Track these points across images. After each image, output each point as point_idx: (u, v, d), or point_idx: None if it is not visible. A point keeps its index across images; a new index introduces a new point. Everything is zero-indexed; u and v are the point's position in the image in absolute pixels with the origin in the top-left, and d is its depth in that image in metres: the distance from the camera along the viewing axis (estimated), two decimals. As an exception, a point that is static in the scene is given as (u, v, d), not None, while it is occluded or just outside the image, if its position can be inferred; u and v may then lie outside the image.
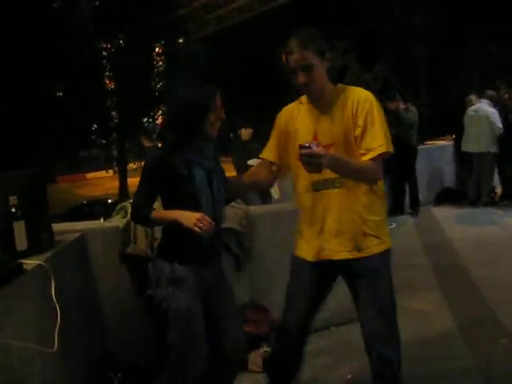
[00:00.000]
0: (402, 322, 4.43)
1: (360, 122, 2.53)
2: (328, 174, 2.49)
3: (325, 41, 2.59)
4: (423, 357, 3.79)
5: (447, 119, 10.97)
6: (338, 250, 2.62)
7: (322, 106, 2.64)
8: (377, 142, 2.52)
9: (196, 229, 2.44)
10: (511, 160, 8.83)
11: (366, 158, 2.53)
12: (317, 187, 2.62)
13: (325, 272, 2.70)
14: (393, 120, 8.58)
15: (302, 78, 2.54)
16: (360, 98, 2.57)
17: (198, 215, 2.46)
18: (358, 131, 2.54)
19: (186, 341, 2.65)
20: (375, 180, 2.63)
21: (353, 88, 2.66)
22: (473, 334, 4.09)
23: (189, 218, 2.47)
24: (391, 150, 2.57)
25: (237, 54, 22.00)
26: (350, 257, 2.62)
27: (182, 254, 2.65)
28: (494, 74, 18.17)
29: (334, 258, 2.63)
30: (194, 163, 2.62)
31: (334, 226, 2.61)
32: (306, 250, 2.72)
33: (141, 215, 2.64)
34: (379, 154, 2.53)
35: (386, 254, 2.69)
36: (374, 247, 2.64)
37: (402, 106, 8.72)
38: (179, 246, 2.66)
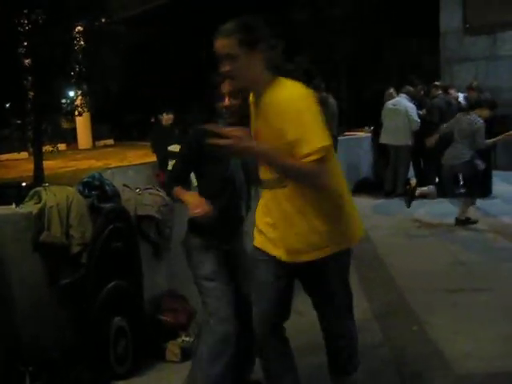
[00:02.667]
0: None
1: (285, 127, 2.32)
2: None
3: (264, 31, 2.45)
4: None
5: (366, 112, 11.26)
6: None
7: (258, 102, 2.49)
8: (312, 144, 2.29)
9: (194, 214, 2.70)
10: (427, 153, 9.16)
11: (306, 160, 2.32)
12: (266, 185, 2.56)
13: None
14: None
15: (223, 67, 2.42)
16: (284, 101, 2.35)
17: (196, 202, 2.69)
18: (289, 138, 2.32)
19: (209, 304, 2.89)
20: (320, 185, 2.40)
21: (284, 85, 2.42)
22: (387, 321, 4.24)
23: (189, 203, 2.73)
24: (327, 142, 2.34)
25: (162, 36, 21.61)
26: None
27: (199, 228, 2.91)
28: (411, 70, 18.80)
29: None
30: None
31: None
32: None
33: (170, 189, 2.92)
34: (318, 157, 2.29)
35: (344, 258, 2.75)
36: None
37: (324, 93, 8.91)
38: (194, 221, 2.90)
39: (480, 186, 7.32)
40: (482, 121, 6.88)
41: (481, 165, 6.97)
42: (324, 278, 2.62)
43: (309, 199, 2.44)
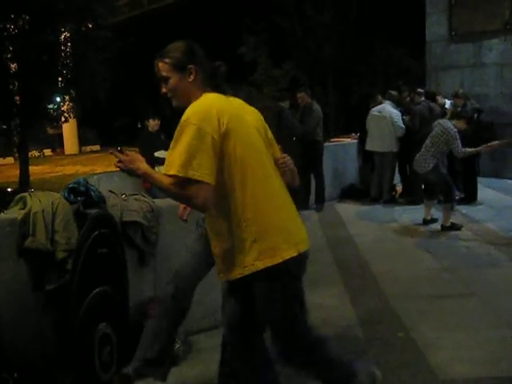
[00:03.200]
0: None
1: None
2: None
3: (197, 54, 2.58)
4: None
5: (352, 118, 11.33)
6: None
7: None
8: (167, 167, 2.37)
9: None
10: (411, 159, 9.22)
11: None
12: None
13: None
14: (299, 114, 8.84)
15: (162, 88, 2.60)
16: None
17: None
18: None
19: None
20: (194, 206, 2.43)
21: (192, 104, 2.49)
22: (372, 328, 4.25)
23: None
24: (183, 173, 2.32)
25: (149, 42, 21.63)
26: None
27: None
28: (396, 76, 18.93)
29: None
30: None
31: None
32: None
33: None
34: (177, 178, 2.33)
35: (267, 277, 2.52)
36: None
37: (309, 100, 8.99)
38: None
39: (453, 191, 7.36)
40: (455, 130, 6.94)
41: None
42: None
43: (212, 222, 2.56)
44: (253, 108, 2.72)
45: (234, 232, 2.46)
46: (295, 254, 2.49)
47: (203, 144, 2.34)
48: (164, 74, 2.55)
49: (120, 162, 2.40)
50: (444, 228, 7.14)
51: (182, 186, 2.33)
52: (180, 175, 2.32)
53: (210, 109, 2.43)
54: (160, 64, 2.56)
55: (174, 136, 2.40)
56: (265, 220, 2.47)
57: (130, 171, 2.42)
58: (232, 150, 2.42)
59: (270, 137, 2.75)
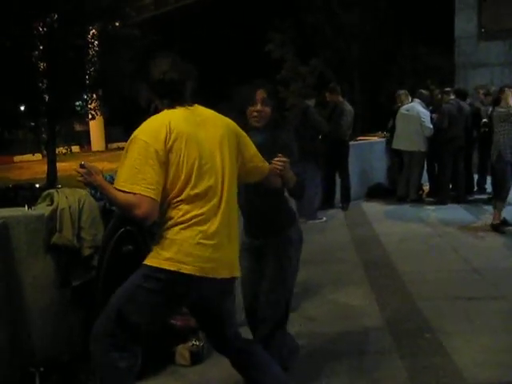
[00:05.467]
0: (330, 315, 4.54)
1: None
2: None
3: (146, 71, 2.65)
4: (350, 352, 3.85)
5: (380, 116, 11.23)
6: None
7: None
8: (118, 179, 2.42)
9: None
10: (440, 159, 9.12)
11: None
12: None
13: None
14: (328, 113, 8.73)
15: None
16: None
17: None
18: None
19: None
20: (135, 217, 2.42)
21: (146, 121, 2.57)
22: (398, 329, 4.20)
23: None
24: (127, 188, 2.38)
25: (175, 39, 21.74)
26: None
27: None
28: (424, 74, 18.71)
29: None
30: None
31: None
32: None
33: None
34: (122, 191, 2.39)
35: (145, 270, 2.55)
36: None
37: (340, 99, 8.85)
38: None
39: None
40: None
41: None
42: None
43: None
44: (221, 122, 2.69)
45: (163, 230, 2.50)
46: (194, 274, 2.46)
47: (149, 159, 2.39)
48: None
49: (82, 176, 2.46)
50: (493, 227, 7.00)
51: (126, 199, 2.38)
52: (123, 189, 2.38)
53: (160, 126, 2.47)
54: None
55: (124, 151, 2.48)
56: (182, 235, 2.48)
57: (88, 183, 2.50)
58: (176, 164, 2.45)
59: (243, 146, 2.76)
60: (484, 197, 8.93)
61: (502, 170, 6.90)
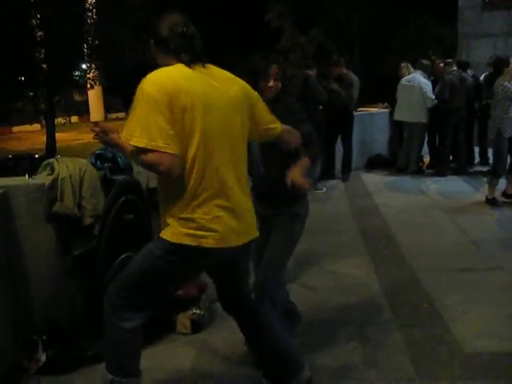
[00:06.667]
0: (329, 285, 4.57)
1: None
2: None
3: (151, 26, 2.58)
4: (349, 322, 3.89)
5: (381, 87, 11.14)
6: None
7: None
8: (131, 135, 2.34)
9: None
10: (440, 130, 9.08)
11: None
12: None
13: None
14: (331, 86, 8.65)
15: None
16: None
17: None
18: None
19: None
20: (159, 173, 2.41)
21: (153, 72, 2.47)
22: (397, 299, 4.23)
23: None
24: (143, 144, 2.31)
25: (177, 6, 21.48)
26: None
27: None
28: (426, 45, 18.53)
29: None
30: None
31: None
32: None
33: None
34: (139, 147, 2.32)
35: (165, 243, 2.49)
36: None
37: (345, 71, 8.79)
38: None
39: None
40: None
41: None
42: None
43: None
44: (235, 83, 2.61)
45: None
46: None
47: (159, 114, 2.31)
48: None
49: (97, 135, 2.45)
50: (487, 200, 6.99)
51: (146, 157, 2.33)
52: (139, 145, 2.31)
53: (168, 80, 2.39)
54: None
55: (132, 104, 2.38)
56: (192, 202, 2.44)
57: (105, 142, 2.50)
58: (188, 125, 2.37)
59: (259, 111, 2.71)
60: (484, 169, 8.91)
61: (499, 146, 6.87)
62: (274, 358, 2.88)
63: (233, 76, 2.63)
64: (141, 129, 2.31)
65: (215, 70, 2.57)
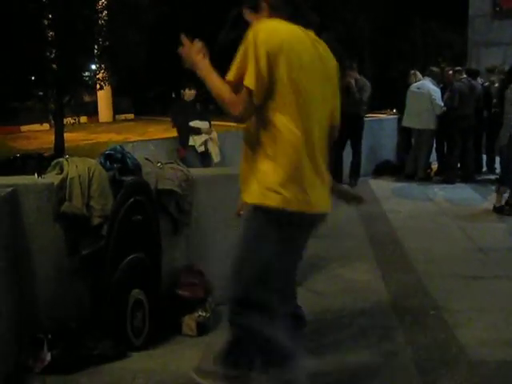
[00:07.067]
0: (336, 290, 4.56)
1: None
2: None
3: None
4: (355, 327, 3.88)
5: (390, 94, 11.14)
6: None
7: None
8: (230, 72, 2.38)
9: None
10: (449, 138, 9.06)
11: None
12: None
13: None
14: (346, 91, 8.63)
15: None
16: None
17: None
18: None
19: None
20: (233, 113, 2.37)
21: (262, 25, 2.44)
22: (403, 305, 4.22)
23: None
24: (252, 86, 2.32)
25: (186, 9, 21.49)
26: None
27: None
28: (436, 51, 18.49)
29: None
30: None
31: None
32: None
33: None
34: (230, 83, 2.35)
35: (257, 209, 2.42)
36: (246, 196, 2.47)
37: (357, 76, 8.79)
38: None
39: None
40: None
41: None
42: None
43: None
44: (332, 58, 2.60)
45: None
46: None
47: (261, 62, 2.29)
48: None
49: (184, 47, 2.46)
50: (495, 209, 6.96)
51: (227, 96, 2.34)
52: (232, 80, 2.34)
53: (277, 33, 2.36)
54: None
55: (238, 51, 2.37)
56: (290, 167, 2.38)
57: (190, 61, 2.47)
58: (285, 80, 2.34)
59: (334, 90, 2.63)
60: (492, 177, 8.88)
61: (508, 154, 6.83)
62: None
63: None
64: (239, 69, 2.34)
65: (317, 38, 2.55)
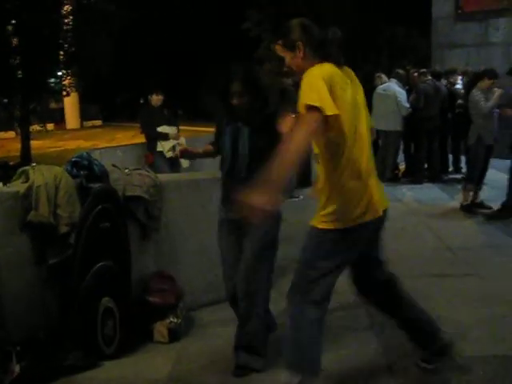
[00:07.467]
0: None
1: None
2: (315, 149, 2.72)
3: (300, 31, 2.77)
4: (327, 327, 3.88)
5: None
6: None
7: None
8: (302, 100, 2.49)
9: None
10: (415, 138, 9.19)
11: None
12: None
13: None
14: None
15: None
16: None
17: None
18: None
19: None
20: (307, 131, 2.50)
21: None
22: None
23: None
24: (315, 102, 2.46)
25: (151, 15, 21.41)
26: None
27: None
28: (400, 55, 18.73)
29: None
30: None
31: None
32: None
33: None
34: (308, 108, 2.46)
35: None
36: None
37: None
38: None
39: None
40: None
41: None
42: None
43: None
44: (357, 80, 2.86)
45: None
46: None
47: (319, 83, 2.49)
48: (279, 54, 2.80)
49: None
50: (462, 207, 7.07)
51: (308, 113, 2.44)
52: (309, 103, 2.43)
53: (324, 67, 2.61)
54: (276, 46, 2.82)
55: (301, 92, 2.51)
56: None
57: (253, 214, 2.38)
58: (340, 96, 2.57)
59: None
60: (458, 176, 9.02)
61: (476, 153, 6.95)
62: (425, 322, 3.22)
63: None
64: (313, 96, 2.48)
65: (349, 71, 2.85)
